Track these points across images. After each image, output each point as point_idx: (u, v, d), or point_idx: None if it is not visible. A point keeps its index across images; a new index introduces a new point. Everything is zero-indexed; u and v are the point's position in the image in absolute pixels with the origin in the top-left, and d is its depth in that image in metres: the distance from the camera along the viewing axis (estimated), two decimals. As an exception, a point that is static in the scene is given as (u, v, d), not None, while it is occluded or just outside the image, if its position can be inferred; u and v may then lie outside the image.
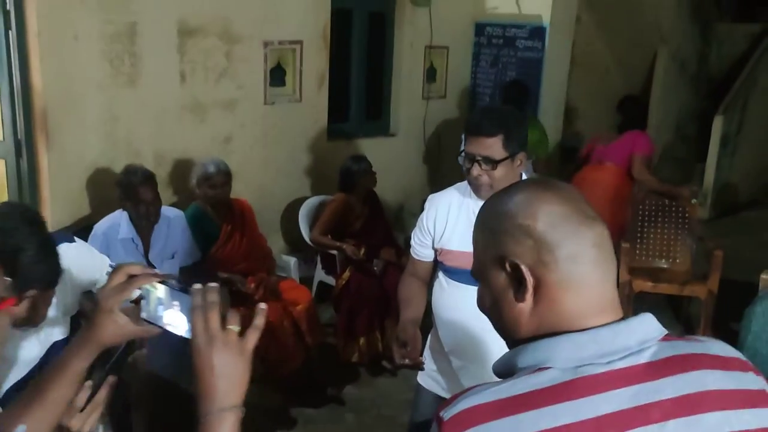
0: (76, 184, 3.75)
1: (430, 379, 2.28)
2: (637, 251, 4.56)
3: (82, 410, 1.29)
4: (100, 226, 3.11)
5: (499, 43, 5.76)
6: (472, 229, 1.03)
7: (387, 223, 4.42)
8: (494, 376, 0.97)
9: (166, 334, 1.09)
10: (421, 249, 2.23)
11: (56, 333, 1.91)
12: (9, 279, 1.32)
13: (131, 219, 3.10)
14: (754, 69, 7.41)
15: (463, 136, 2.05)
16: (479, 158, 1.94)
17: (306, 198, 4.67)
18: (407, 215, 5.41)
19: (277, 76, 4.61)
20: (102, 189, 3.72)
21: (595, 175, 4.59)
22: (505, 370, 0.95)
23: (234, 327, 1.00)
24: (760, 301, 3.96)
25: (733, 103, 7.12)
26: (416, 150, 5.62)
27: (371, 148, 5.06)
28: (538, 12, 5.51)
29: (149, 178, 3.12)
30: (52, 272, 1.46)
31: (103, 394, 1.32)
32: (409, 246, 2.34)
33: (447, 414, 0.88)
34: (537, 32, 5.54)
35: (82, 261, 1.89)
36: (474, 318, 1.97)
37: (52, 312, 1.76)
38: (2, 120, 3.57)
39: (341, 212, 4.13)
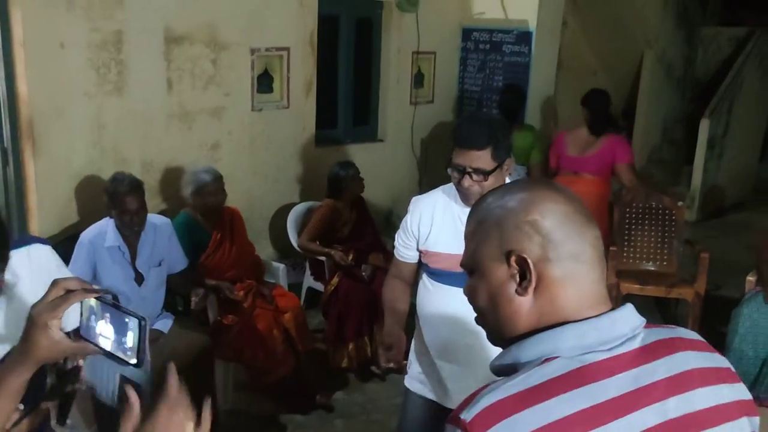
0: (63, 192, 3.74)
1: (416, 381, 2.29)
2: (625, 254, 4.59)
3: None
4: (87, 234, 3.10)
5: (486, 48, 5.80)
6: (458, 232, 1.05)
7: (375, 228, 4.42)
8: (479, 375, 0.99)
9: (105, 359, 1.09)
10: (405, 250, 2.25)
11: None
12: None
13: (117, 227, 3.10)
14: (740, 72, 7.48)
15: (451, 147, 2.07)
16: (470, 170, 1.97)
17: (294, 204, 4.67)
18: (395, 220, 5.41)
19: (264, 82, 4.61)
20: (89, 197, 3.71)
21: (573, 189, 4.43)
22: (507, 367, 0.97)
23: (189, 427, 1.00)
24: (746, 303, 4.01)
25: (720, 106, 7.18)
26: (404, 155, 5.64)
27: (359, 153, 5.08)
28: (525, 17, 5.55)
29: (136, 187, 3.11)
30: None
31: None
32: None
33: (469, 414, 0.89)
34: (523, 37, 5.57)
35: (49, 266, 1.87)
36: (459, 319, 2.00)
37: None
38: (-12, 128, 3.57)
39: (329, 218, 4.14)
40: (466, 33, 5.89)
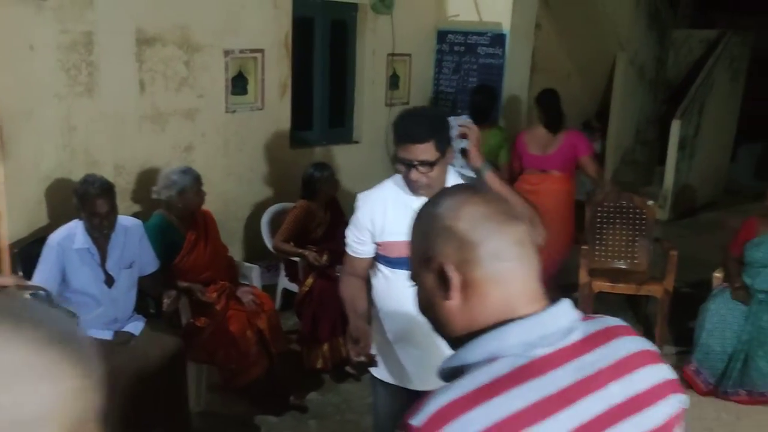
0: (33, 195, 3.71)
1: (381, 370, 2.34)
2: (596, 253, 4.65)
3: None
4: (55, 236, 3.07)
5: (461, 50, 5.84)
6: (411, 220, 1.08)
7: (350, 229, 4.43)
8: (440, 359, 1.02)
9: None
10: (359, 246, 2.29)
11: None
12: None
13: (87, 229, 3.07)
14: (710, 74, 7.59)
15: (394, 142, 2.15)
16: (416, 163, 2.06)
17: (269, 206, 4.67)
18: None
19: (238, 84, 4.61)
20: (60, 200, 3.67)
21: (543, 186, 4.42)
22: (454, 369, 0.98)
23: None
24: (713, 299, 4.08)
25: (691, 107, 7.29)
26: (380, 157, 5.66)
27: (335, 155, 5.09)
28: (499, 19, 5.60)
29: (107, 190, 3.07)
30: None
31: None
32: None
33: (418, 420, 0.90)
34: (497, 39, 5.63)
35: None
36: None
37: None
38: (-44, 131, 3.52)
39: (303, 219, 4.14)
40: (441, 35, 5.93)
